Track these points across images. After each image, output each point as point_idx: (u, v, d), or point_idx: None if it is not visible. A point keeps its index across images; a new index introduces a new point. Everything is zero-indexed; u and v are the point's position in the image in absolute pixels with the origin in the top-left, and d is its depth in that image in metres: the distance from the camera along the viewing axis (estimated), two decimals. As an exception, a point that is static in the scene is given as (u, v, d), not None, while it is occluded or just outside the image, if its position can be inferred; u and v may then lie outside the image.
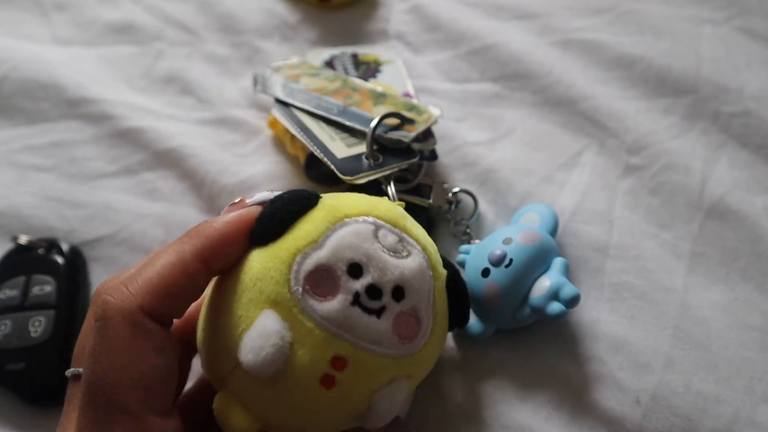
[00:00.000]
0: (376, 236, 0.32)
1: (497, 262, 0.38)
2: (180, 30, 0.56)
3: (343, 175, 0.42)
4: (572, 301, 0.37)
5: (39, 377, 0.41)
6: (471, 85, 0.51)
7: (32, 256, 0.44)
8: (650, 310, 0.40)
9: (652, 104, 0.48)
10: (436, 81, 0.52)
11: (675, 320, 0.40)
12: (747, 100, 0.47)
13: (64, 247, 0.45)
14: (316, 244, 0.31)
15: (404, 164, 0.42)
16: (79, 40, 0.56)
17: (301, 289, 0.30)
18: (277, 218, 0.32)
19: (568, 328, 0.40)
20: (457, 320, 0.36)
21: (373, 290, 0.31)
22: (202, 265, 0.30)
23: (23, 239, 0.45)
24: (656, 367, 0.38)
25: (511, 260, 0.38)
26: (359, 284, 0.31)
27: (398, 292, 0.32)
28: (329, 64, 0.51)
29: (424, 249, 0.34)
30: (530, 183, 0.45)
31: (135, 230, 0.46)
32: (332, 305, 0.30)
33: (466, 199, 0.45)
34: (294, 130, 0.45)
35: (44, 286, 0.43)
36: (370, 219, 0.33)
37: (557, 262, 0.39)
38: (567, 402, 0.38)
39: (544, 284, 0.37)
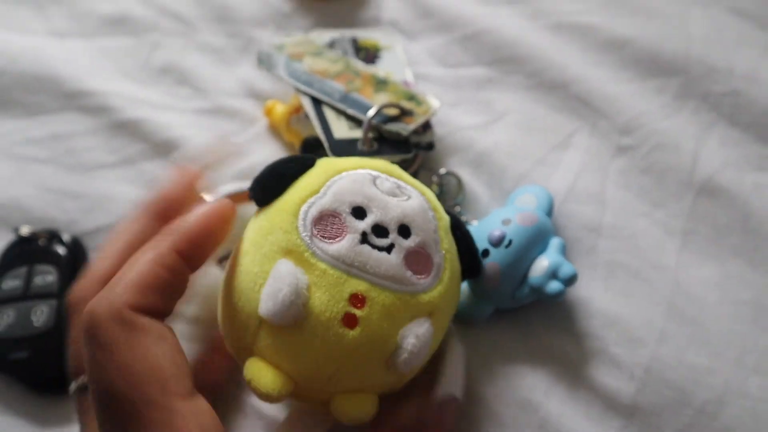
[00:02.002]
0: (374, 183, 0.34)
1: (497, 242, 0.39)
2: (175, 21, 0.56)
3: (334, 154, 0.43)
4: (570, 280, 0.38)
5: (43, 366, 0.42)
6: (465, 69, 0.52)
7: (34, 247, 0.45)
8: (644, 287, 0.41)
9: (644, 85, 0.49)
10: (431, 66, 0.52)
11: (668, 296, 0.40)
12: (736, 80, 0.48)
13: (65, 237, 0.45)
14: (318, 194, 0.33)
15: (397, 157, 0.43)
16: (75, 33, 0.56)
17: (310, 235, 0.32)
18: (276, 174, 0.34)
19: (564, 306, 0.41)
20: (469, 268, 0.37)
21: (380, 228, 0.32)
22: (179, 258, 0.31)
23: (25, 230, 0.45)
24: (650, 342, 0.39)
25: (510, 241, 0.38)
26: (365, 224, 0.32)
27: (404, 230, 0.33)
28: (330, 47, 0.51)
29: (423, 193, 0.35)
30: (524, 165, 0.46)
31: (134, 220, 0.46)
32: (342, 245, 0.32)
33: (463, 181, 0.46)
34: (305, 101, 0.46)
35: (46, 276, 0.44)
36: (366, 171, 0.35)
37: (554, 242, 0.39)
38: (564, 377, 0.39)
39: (542, 264, 0.38)
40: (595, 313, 0.40)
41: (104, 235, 0.46)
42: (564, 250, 0.39)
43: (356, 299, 0.31)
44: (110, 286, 0.30)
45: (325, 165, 0.35)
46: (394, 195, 0.34)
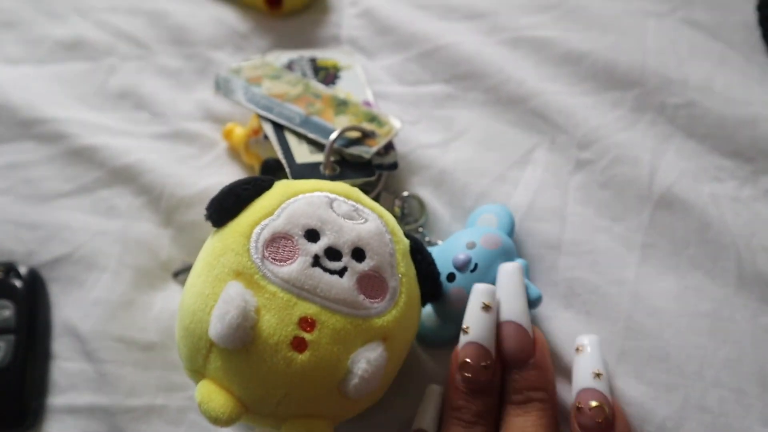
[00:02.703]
0: (330, 206, 0.34)
1: (462, 266, 0.39)
2: (131, 44, 0.55)
3: (293, 177, 0.42)
4: (536, 302, 0.38)
5: (1, 403, 0.41)
6: (423, 87, 0.52)
7: (-11, 281, 0.44)
8: (603, 304, 0.41)
9: (601, 98, 0.49)
10: (389, 85, 0.52)
11: (627, 312, 0.41)
12: (691, 91, 0.49)
13: (22, 270, 0.45)
14: (271, 216, 0.33)
15: (360, 180, 0.43)
16: (28, 59, 0.55)
17: (261, 257, 0.32)
18: (232, 196, 0.34)
19: (525, 324, 0.41)
20: (429, 292, 0.37)
21: (333, 252, 0.33)
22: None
23: (-21, 264, 0.45)
24: (610, 361, 0.39)
25: (476, 265, 0.38)
26: (317, 246, 0.33)
27: (358, 253, 0.33)
28: (288, 68, 0.51)
29: (381, 216, 0.35)
30: (485, 183, 0.46)
31: (92, 248, 0.46)
32: (292, 268, 0.32)
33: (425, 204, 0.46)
34: (266, 126, 0.45)
35: (2, 311, 0.43)
36: (323, 193, 0.35)
37: None
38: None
39: None
40: (556, 331, 0.40)
41: (62, 266, 0.46)
42: (527, 271, 0.40)
43: (306, 323, 0.31)
44: None
45: (281, 187, 0.35)
46: (351, 218, 0.34)
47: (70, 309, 0.44)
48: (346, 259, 0.33)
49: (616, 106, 0.49)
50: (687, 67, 0.50)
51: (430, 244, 0.44)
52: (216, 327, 0.30)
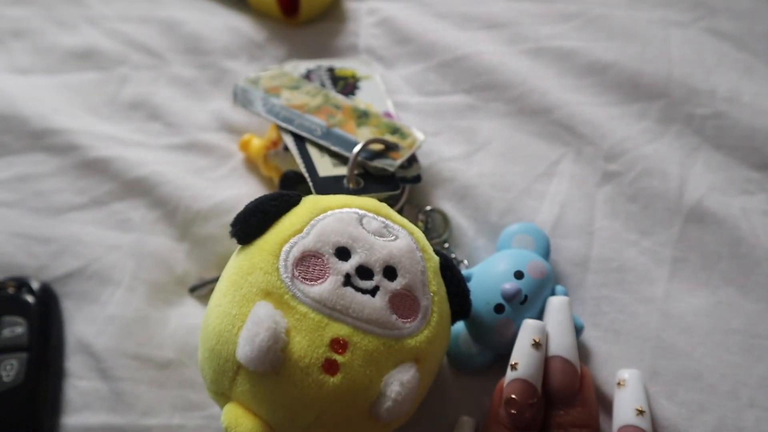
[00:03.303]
0: (360, 222, 0.33)
1: (511, 298, 0.37)
2: (144, 53, 0.54)
3: (317, 192, 0.41)
4: (579, 332, 0.38)
5: (13, 423, 0.39)
6: (444, 97, 0.51)
7: (1, 297, 0.43)
8: (632, 322, 0.40)
9: (626, 109, 0.48)
10: (408, 95, 0.51)
11: (657, 330, 0.40)
12: (719, 102, 0.48)
13: (35, 285, 0.43)
14: (300, 233, 0.32)
15: (384, 195, 0.42)
16: (39, 68, 0.54)
17: (291, 276, 0.31)
18: (259, 212, 0.33)
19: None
20: (459, 311, 0.35)
21: (364, 270, 0.31)
22: None
23: (-10, 280, 0.43)
24: (641, 380, 0.38)
25: (526, 297, 0.37)
26: (349, 265, 0.31)
27: (390, 272, 0.32)
28: (306, 78, 0.50)
29: (411, 233, 0.34)
30: (509, 198, 0.45)
31: (106, 263, 0.45)
32: (324, 287, 0.30)
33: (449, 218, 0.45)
34: (287, 139, 0.44)
35: (15, 328, 0.42)
36: (352, 209, 0.34)
37: (559, 292, 0.39)
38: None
39: None
40: (584, 352, 0.39)
41: (74, 281, 0.44)
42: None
43: (338, 344, 0.30)
44: None
45: (309, 203, 0.34)
46: (381, 235, 0.33)
47: (84, 325, 0.43)
48: (378, 278, 0.32)
49: (642, 117, 0.48)
50: (713, 78, 0.49)
51: (456, 261, 0.43)
52: (244, 349, 0.29)
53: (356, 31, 0.55)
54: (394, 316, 0.31)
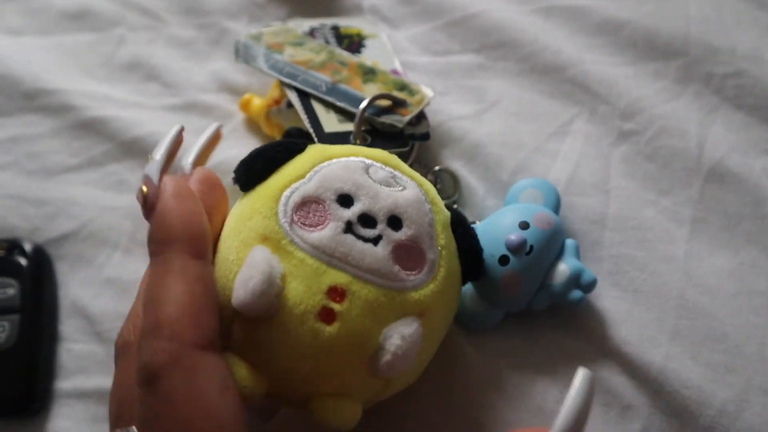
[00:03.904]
0: (366, 171, 0.32)
1: (516, 249, 0.35)
2: (140, 14, 0.53)
3: None
4: (591, 287, 0.36)
5: (6, 386, 0.38)
6: (452, 57, 0.49)
7: (-8, 259, 0.41)
8: (653, 281, 0.38)
9: (642, 69, 0.47)
10: (416, 55, 0.49)
11: (679, 290, 0.38)
12: (739, 60, 0.46)
13: (27, 247, 0.42)
14: (303, 179, 0.31)
15: (392, 152, 0.40)
16: (31, 29, 0.52)
17: (289, 221, 0.29)
18: (262, 158, 0.32)
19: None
20: (470, 267, 0.33)
21: (366, 218, 0.30)
22: (200, 262, 0.28)
23: (-19, 241, 0.42)
24: (662, 341, 0.36)
25: (531, 247, 0.35)
26: (351, 212, 0.30)
27: (394, 221, 0.30)
28: (310, 35, 0.48)
29: (421, 184, 0.33)
30: (520, 156, 0.43)
31: (101, 224, 0.43)
32: (323, 233, 0.29)
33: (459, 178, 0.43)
34: (292, 95, 0.43)
35: (7, 290, 0.40)
36: (359, 158, 0.32)
37: (569, 245, 0.37)
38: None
39: (563, 271, 0.36)
40: (603, 310, 0.37)
41: (69, 243, 0.43)
42: (578, 253, 0.37)
43: (335, 292, 0.28)
44: (156, 329, 0.26)
45: (315, 151, 0.33)
46: (388, 185, 0.32)
47: (79, 288, 0.41)
48: (382, 227, 0.30)
49: (659, 76, 0.46)
50: (734, 36, 0.47)
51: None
52: (238, 293, 0.27)
53: (360, -9, 0.53)
54: (397, 267, 0.30)
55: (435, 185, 0.41)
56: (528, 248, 0.35)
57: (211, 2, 0.53)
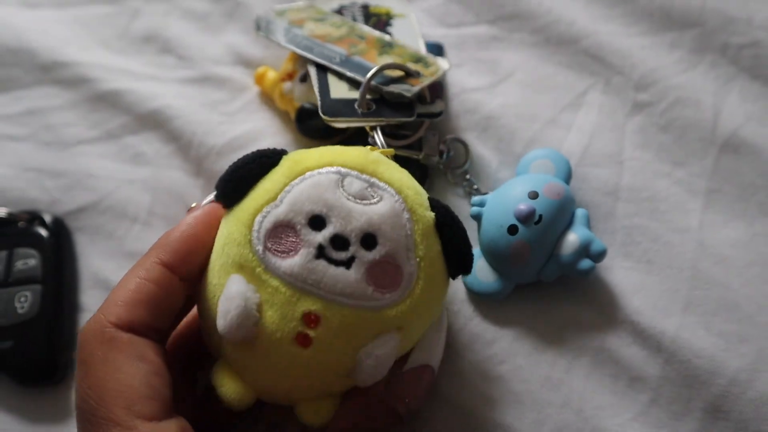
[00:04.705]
0: (340, 185, 0.31)
1: (525, 218, 0.36)
2: (155, -14, 0.53)
3: (324, 114, 0.40)
4: (601, 256, 0.36)
5: (29, 355, 0.39)
6: (467, 28, 0.49)
7: (13, 230, 0.42)
8: (666, 252, 0.39)
9: (658, 39, 0.46)
10: (430, 27, 0.49)
11: (692, 261, 0.38)
12: (756, 30, 0.45)
13: (47, 218, 0.42)
14: (274, 201, 0.31)
15: (394, 120, 0.40)
16: (48, 2, 0.53)
17: (262, 249, 0.30)
18: (236, 178, 0.32)
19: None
20: (457, 266, 0.33)
21: (339, 240, 0.30)
22: (167, 271, 0.31)
23: (2, 212, 0.42)
24: (675, 311, 0.37)
25: (540, 216, 0.36)
26: (322, 236, 0.30)
27: (368, 240, 0.30)
28: (338, 13, 0.48)
29: (399, 191, 0.32)
30: (534, 128, 0.43)
31: (120, 197, 0.44)
32: (295, 261, 0.30)
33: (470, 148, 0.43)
34: (308, 66, 0.43)
35: (28, 260, 0.41)
36: (334, 168, 0.32)
37: (579, 215, 0.37)
38: (587, 351, 0.37)
39: (572, 241, 0.36)
40: (616, 281, 0.38)
41: (87, 215, 0.43)
42: (588, 222, 0.37)
43: (309, 318, 0.29)
44: (104, 303, 0.30)
45: (288, 165, 0.32)
46: (363, 197, 0.31)
47: (100, 260, 0.42)
48: (354, 248, 0.30)
49: (675, 47, 0.46)
50: (751, 5, 0.46)
51: (478, 192, 0.41)
52: (220, 323, 0.29)
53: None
54: (371, 288, 0.30)
55: (447, 154, 0.42)
56: (537, 218, 0.36)
57: (225, -26, 0.53)
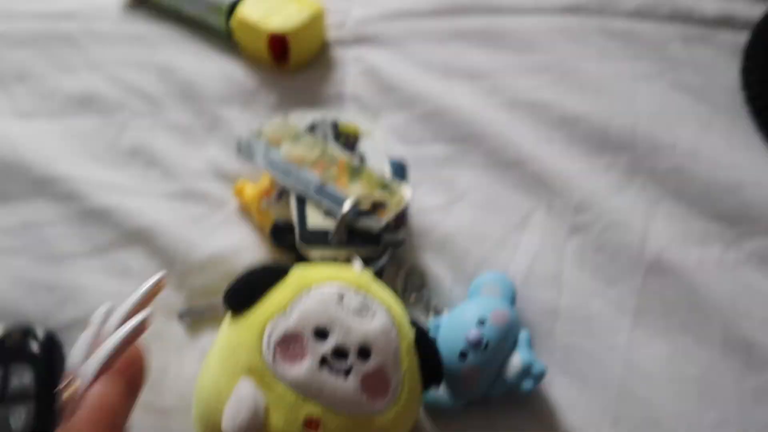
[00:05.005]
0: (340, 301, 0.36)
1: (475, 345, 0.40)
2: (142, 99, 0.57)
3: (301, 241, 0.45)
4: (541, 377, 0.41)
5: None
6: (425, 147, 0.54)
7: (7, 346, 0.45)
8: (598, 370, 0.44)
9: (595, 162, 0.52)
10: (394, 143, 0.54)
11: (620, 378, 0.43)
12: (679, 156, 0.51)
13: (40, 333, 0.45)
14: (283, 312, 0.36)
15: (365, 251, 0.45)
16: (41, 112, 0.56)
17: (272, 356, 0.34)
18: (249, 288, 0.37)
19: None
20: (430, 379, 0.39)
21: (339, 351, 0.35)
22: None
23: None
24: (605, 426, 0.42)
25: (487, 342, 0.41)
26: (326, 347, 0.35)
27: (363, 352, 0.35)
28: (311, 130, 0.52)
29: (389, 309, 0.38)
30: (485, 248, 0.48)
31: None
32: (300, 370, 0.34)
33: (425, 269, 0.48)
34: (291, 195, 0.48)
35: (22, 377, 0.44)
36: (335, 285, 0.37)
37: (523, 337, 0.42)
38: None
39: (516, 363, 0.41)
40: (555, 395, 0.43)
41: (78, 329, 0.47)
42: (530, 343, 0.42)
43: (310, 423, 0.34)
44: None
45: (296, 279, 0.37)
46: (360, 314, 0.36)
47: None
48: (353, 359, 0.35)
49: (610, 169, 0.51)
50: (675, 132, 0.52)
51: (436, 310, 0.46)
52: (228, 424, 0.33)
53: (343, 79, 0.58)
54: (365, 396, 0.35)
55: (405, 285, 0.46)
56: (485, 344, 0.41)
57: (205, 88, 0.57)
